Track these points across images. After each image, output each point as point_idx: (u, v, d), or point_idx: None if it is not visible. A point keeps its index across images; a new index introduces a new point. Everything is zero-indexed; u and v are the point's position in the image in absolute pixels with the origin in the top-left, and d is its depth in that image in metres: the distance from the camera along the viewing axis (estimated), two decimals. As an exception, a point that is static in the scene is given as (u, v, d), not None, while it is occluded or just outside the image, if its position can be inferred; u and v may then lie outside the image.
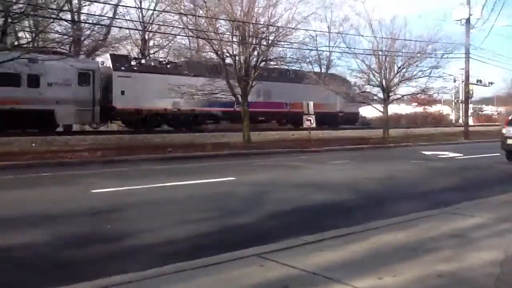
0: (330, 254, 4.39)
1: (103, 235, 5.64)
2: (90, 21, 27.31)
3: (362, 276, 3.71)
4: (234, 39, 21.50)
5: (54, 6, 18.33)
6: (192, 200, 8.12)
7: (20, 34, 24.79)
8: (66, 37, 23.90)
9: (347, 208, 7.56)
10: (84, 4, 29.42)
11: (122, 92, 24.68)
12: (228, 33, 21.80)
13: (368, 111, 41.62)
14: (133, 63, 26.61)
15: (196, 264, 4.14)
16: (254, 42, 21.45)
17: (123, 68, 25.02)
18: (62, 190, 9.29)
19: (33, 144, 18.32)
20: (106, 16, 29.99)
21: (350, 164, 14.79)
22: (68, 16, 26.54)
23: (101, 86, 24.79)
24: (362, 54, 27.27)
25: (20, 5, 16.13)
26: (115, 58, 26.64)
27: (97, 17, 28.67)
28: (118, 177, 11.46)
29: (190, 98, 23.37)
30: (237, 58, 21.31)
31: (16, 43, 22.41)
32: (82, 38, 28.18)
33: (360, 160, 16.19)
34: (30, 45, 19.36)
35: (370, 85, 28.66)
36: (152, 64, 27.58)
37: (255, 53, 21.72)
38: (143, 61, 28.63)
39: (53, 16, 18.74)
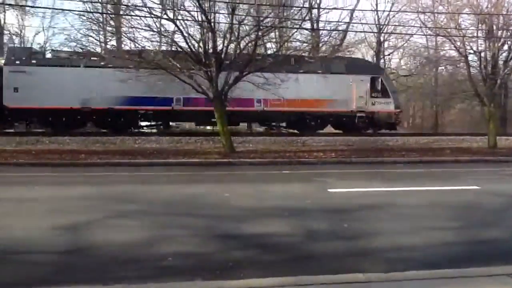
0: None
1: (340, 233, 5.89)
2: (328, 28, 28.70)
3: None
4: (479, 34, 19.62)
5: (297, 17, 19.88)
6: (430, 207, 7.74)
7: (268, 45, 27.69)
8: (305, 44, 25.70)
9: None
10: (322, 12, 31.16)
11: (16, 89, 21.24)
12: (472, 27, 20.02)
13: None
14: (36, 56, 22.62)
15: (435, 274, 3.97)
16: (504, 36, 19.20)
17: (18, 62, 21.29)
18: (302, 187, 10.01)
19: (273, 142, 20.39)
20: (343, 22, 31.10)
21: None
22: (308, 25, 28.53)
23: None
24: None
25: (269, 19, 18.07)
26: (10, 51, 23.02)
27: (334, 23, 30.02)
28: (350, 178, 11.79)
29: (104, 94, 20.49)
30: (482, 54, 19.43)
31: (264, 52, 25.10)
32: (320, 45, 29.83)
33: None
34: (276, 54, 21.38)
35: None
36: (61, 56, 22.74)
37: (505, 47, 19.41)
38: (48, 53, 24.99)
39: (295, 26, 20.40)
